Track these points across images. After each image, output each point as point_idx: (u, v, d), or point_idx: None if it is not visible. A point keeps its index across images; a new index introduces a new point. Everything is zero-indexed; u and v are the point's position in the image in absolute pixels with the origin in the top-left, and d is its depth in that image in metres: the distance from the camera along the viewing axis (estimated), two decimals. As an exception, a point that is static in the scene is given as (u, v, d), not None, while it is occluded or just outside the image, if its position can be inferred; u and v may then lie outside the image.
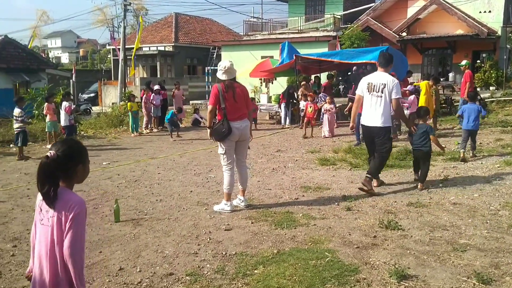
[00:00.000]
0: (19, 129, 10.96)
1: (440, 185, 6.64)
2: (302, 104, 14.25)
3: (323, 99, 14.70)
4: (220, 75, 5.78)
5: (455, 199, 5.89)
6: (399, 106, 6.49)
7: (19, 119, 11.01)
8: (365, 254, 4.24)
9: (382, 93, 6.29)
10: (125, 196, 6.93)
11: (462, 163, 7.95)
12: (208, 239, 4.85)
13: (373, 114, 6.38)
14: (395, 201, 5.93)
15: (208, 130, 5.88)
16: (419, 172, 6.70)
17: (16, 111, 11.12)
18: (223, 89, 5.70)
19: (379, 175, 6.81)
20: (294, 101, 15.96)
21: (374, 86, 6.36)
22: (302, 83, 15.97)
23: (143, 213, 6.00)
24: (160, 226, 5.41)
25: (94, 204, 6.52)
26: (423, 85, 11.11)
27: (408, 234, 4.71)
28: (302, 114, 14.30)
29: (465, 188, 6.36)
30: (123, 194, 7.09)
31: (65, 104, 12.17)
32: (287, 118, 15.73)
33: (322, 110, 12.99)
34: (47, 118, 12.69)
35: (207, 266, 4.18)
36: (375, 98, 6.35)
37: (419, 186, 6.51)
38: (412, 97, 11.13)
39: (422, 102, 10.70)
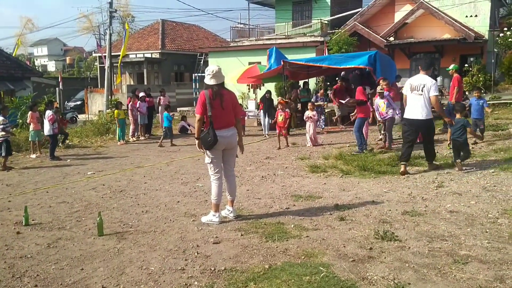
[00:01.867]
0: (2, 138, 10.63)
1: (436, 191, 6.48)
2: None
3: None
4: (208, 80, 5.52)
5: (452, 206, 5.71)
6: (437, 102, 7.49)
7: (0, 127, 10.67)
8: (361, 268, 4.01)
9: (422, 91, 7.42)
10: (109, 208, 6.65)
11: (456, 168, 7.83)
12: (196, 254, 4.60)
13: (415, 110, 7.52)
14: (390, 210, 5.73)
15: (196, 141, 5.58)
16: (460, 155, 7.71)
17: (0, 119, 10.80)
18: (210, 95, 5.45)
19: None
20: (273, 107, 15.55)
21: (415, 86, 7.52)
22: (279, 99, 15.68)
23: (128, 225, 5.73)
24: (145, 239, 5.15)
25: (77, 217, 6.25)
26: None
27: (405, 245, 4.50)
28: (305, 117, 14.01)
29: (461, 195, 6.19)
30: (108, 205, 6.82)
31: (48, 112, 11.86)
32: (266, 125, 15.00)
33: (305, 117, 12.43)
34: (31, 127, 12.38)
35: (195, 283, 3.93)
36: (416, 96, 7.49)
37: (457, 165, 7.64)
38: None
39: None
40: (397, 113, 10.28)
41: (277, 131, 12.20)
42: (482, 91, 20.10)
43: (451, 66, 13.04)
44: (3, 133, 10.66)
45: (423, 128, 7.67)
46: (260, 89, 20.46)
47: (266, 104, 15.09)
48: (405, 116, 7.78)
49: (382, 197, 6.38)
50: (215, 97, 5.44)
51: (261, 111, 15.32)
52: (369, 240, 4.71)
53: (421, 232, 4.87)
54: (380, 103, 10.22)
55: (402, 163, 7.77)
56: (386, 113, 10.15)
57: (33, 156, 12.31)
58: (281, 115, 12.22)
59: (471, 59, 22.72)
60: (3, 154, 10.61)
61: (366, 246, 4.52)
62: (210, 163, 5.62)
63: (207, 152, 5.56)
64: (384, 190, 6.79)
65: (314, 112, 12.38)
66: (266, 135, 14.78)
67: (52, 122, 11.80)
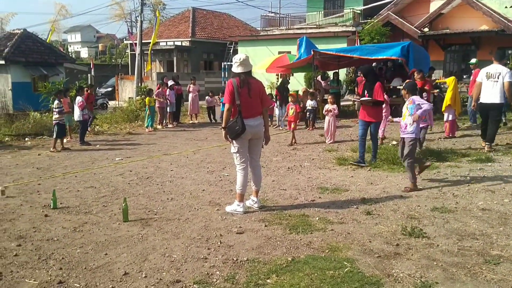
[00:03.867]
0: (55, 121, 11.13)
1: (467, 187, 6.27)
2: (309, 103, 13.63)
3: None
4: (235, 68, 5.46)
5: (484, 204, 5.51)
6: (509, 88, 8.34)
7: (57, 110, 11.16)
8: (387, 264, 3.91)
9: (498, 79, 8.44)
10: (135, 194, 6.71)
11: (489, 164, 7.58)
12: (219, 243, 4.58)
13: (490, 95, 8.53)
14: (419, 206, 5.57)
15: (223, 131, 5.52)
16: None
17: (55, 103, 11.36)
18: (238, 84, 5.39)
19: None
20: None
21: (491, 74, 8.53)
22: (303, 89, 15.44)
23: (152, 212, 5.76)
24: (169, 227, 5.16)
25: (103, 202, 6.32)
26: (450, 80, 10.72)
27: (434, 242, 4.36)
28: (324, 111, 13.71)
29: (494, 192, 5.97)
30: (134, 191, 6.88)
31: (78, 99, 12.06)
32: (282, 118, 14.41)
33: (324, 110, 11.52)
34: (62, 112, 12.61)
35: (217, 273, 3.90)
36: (492, 83, 8.51)
37: None
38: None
39: (448, 98, 10.36)
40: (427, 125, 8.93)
41: (288, 126, 11.29)
42: None
43: (473, 61, 12.92)
44: (58, 115, 11.10)
45: (493, 110, 8.62)
46: (289, 78, 20.32)
47: (284, 94, 14.62)
48: (481, 100, 8.76)
49: (411, 192, 6.21)
50: (242, 86, 5.38)
51: (278, 102, 14.74)
52: (396, 236, 4.59)
53: (451, 229, 4.71)
54: (405, 111, 6.57)
55: (483, 140, 8.93)
56: (405, 128, 6.51)
57: (64, 140, 12.53)
58: (292, 109, 11.34)
59: (509, 52, 21.89)
60: (54, 136, 11.18)
61: (393, 242, 4.40)
62: (236, 153, 5.57)
63: (233, 141, 5.51)
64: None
65: (335, 106, 11.42)
66: (280, 128, 14.24)
67: (82, 108, 11.98)
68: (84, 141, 12.00)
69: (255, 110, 5.51)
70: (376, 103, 7.92)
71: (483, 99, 8.73)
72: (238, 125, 5.36)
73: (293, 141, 11.15)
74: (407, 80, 7.58)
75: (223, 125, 5.51)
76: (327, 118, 11.26)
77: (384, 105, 9.09)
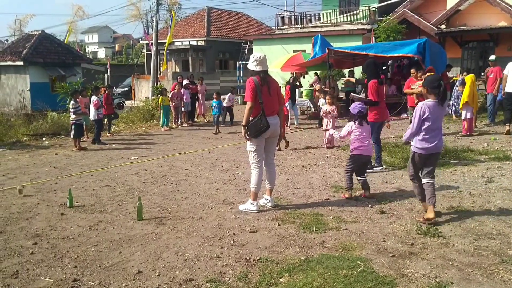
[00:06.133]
0: (72, 121, 11.28)
1: (484, 186, 6.16)
2: (322, 101, 13.50)
3: None
4: (254, 66, 5.43)
5: (501, 203, 5.42)
6: None
7: (73, 110, 11.30)
8: (401, 264, 3.86)
9: None
10: (150, 193, 6.75)
11: (508, 162, 7.44)
12: (232, 242, 4.58)
13: None
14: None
15: (243, 129, 5.47)
16: None
17: (71, 103, 11.56)
18: (259, 82, 5.38)
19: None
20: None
21: None
22: (316, 84, 15.31)
23: (167, 211, 5.79)
24: (183, 225, 5.18)
25: (118, 201, 6.37)
26: (469, 78, 10.61)
27: (449, 242, 4.29)
28: (322, 113, 13.54)
29: (512, 191, 5.87)
30: (149, 190, 6.92)
31: (93, 98, 12.17)
32: (295, 116, 14.20)
33: (321, 113, 10.74)
34: (79, 112, 12.75)
35: (229, 272, 3.90)
36: None
37: None
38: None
39: (466, 95, 10.27)
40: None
41: None
42: None
43: (493, 57, 12.90)
44: (74, 116, 11.22)
45: None
46: (304, 77, 20.25)
47: (293, 92, 14.43)
48: (507, 90, 10.19)
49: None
50: (263, 84, 5.38)
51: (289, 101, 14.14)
52: (411, 235, 4.53)
53: (467, 229, 4.63)
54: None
55: (506, 124, 10.26)
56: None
57: (82, 139, 12.68)
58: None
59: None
60: (71, 136, 11.38)
61: (408, 242, 4.35)
62: (253, 151, 5.54)
63: (253, 139, 5.49)
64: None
65: (333, 107, 10.39)
66: (293, 127, 14.01)
67: (97, 107, 12.11)
68: (100, 140, 12.11)
69: (275, 108, 5.54)
70: (369, 103, 7.02)
71: (509, 89, 10.15)
72: (263, 123, 5.34)
73: (285, 145, 10.16)
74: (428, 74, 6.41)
75: (243, 123, 5.49)
76: (325, 120, 10.38)
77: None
